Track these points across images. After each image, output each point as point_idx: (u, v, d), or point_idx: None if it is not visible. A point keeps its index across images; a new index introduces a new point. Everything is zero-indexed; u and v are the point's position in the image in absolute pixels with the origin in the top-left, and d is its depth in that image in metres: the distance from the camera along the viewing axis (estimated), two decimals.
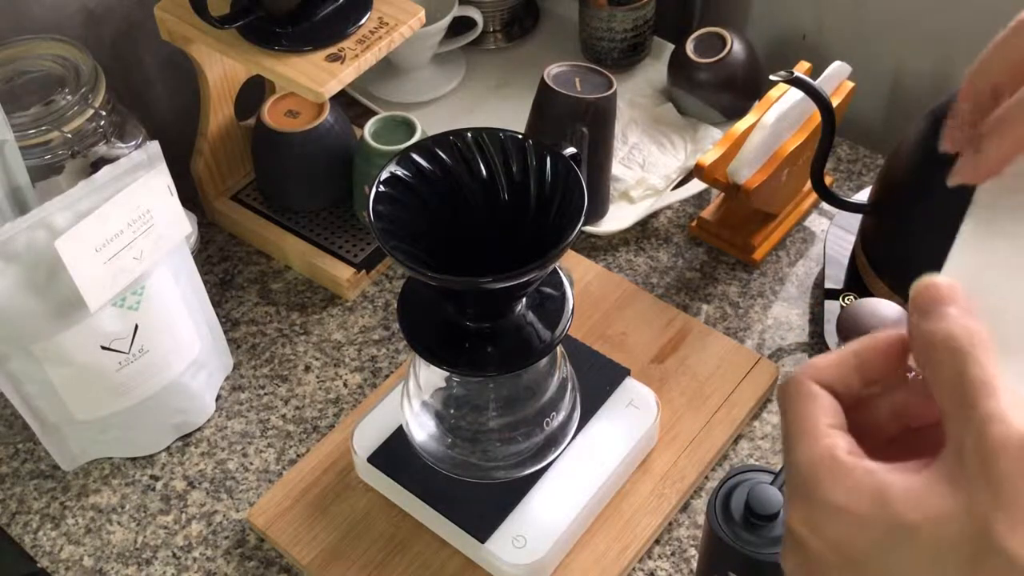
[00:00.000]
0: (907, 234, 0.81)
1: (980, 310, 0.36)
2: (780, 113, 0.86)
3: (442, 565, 0.74)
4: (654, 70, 1.11)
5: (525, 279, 0.58)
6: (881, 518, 0.34)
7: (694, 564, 0.75)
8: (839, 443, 0.36)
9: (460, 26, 1.11)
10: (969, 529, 0.32)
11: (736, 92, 1.03)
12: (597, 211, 0.97)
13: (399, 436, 0.76)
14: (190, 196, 0.93)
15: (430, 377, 0.73)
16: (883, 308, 0.77)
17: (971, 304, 0.36)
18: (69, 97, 0.80)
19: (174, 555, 0.77)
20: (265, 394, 0.87)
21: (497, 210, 0.63)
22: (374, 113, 1.02)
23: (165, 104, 1.02)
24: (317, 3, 0.84)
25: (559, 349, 0.71)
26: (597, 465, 0.75)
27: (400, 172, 0.61)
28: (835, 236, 0.92)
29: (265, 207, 0.98)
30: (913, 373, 0.39)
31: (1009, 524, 0.32)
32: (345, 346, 0.90)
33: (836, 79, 0.90)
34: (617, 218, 0.98)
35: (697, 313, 0.91)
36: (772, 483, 0.63)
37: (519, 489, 0.73)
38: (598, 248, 0.97)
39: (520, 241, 0.61)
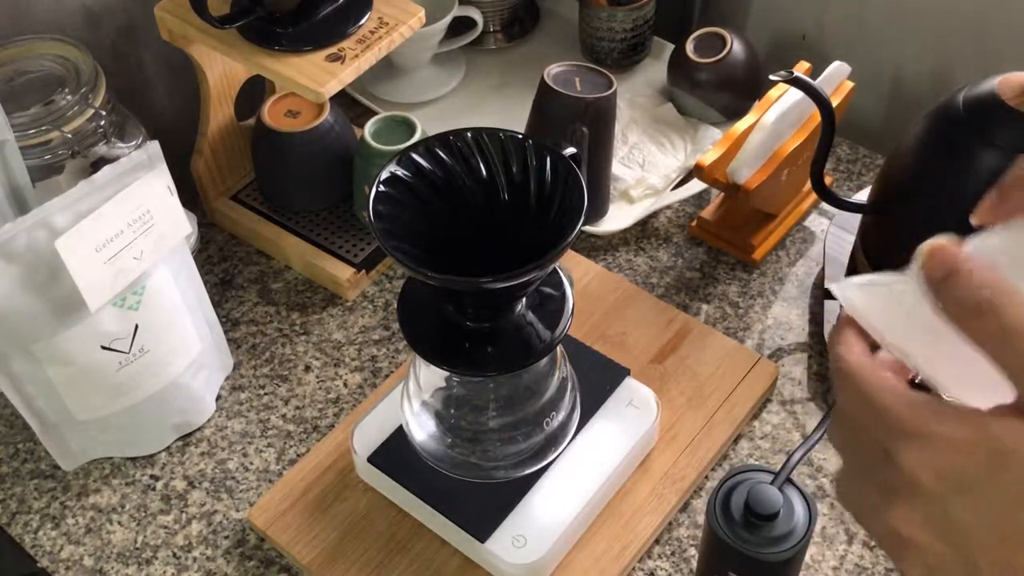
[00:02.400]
0: (907, 234, 0.81)
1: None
2: (780, 113, 0.86)
3: (442, 565, 0.74)
4: (654, 70, 1.11)
5: (525, 279, 0.58)
6: (984, 442, 0.37)
7: (694, 564, 0.75)
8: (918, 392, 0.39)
9: (460, 26, 1.11)
10: None
11: (736, 92, 1.03)
12: (597, 211, 0.97)
13: (399, 436, 0.76)
14: (190, 196, 0.93)
15: (430, 377, 0.73)
16: None
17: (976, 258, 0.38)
18: (69, 97, 0.80)
19: (174, 555, 0.77)
20: (265, 394, 0.87)
21: (497, 210, 0.63)
22: (374, 113, 1.02)
23: (165, 104, 1.02)
24: (317, 3, 0.84)
25: (559, 349, 0.71)
26: (597, 465, 0.75)
27: (400, 172, 0.61)
28: (835, 236, 0.92)
29: (265, 207, 0.98)
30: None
31: None
32: (345, 346, 0.90)
33: (836, 79, 0.90)
34: (617, 218, 0.98)
35: (697, 313, 0.91)
36: (772, 483, 0.63)
37: (519, 489, 0.74)
38: (598, 248, 0.97)
39: (520, 241, 0.61)
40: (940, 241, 0.38)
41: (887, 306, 0.40)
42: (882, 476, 0.40)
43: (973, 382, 0.39)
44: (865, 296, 0.41)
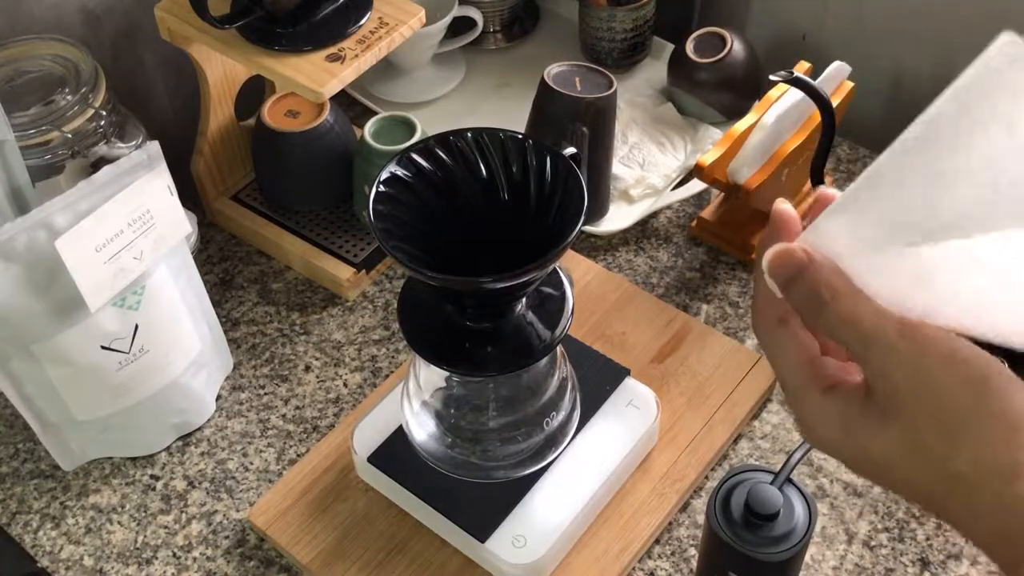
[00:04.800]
0: None
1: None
2: (780, 113, 0.86)
3: (442, 565, 0.74)
4: (654, 70, 1.11)
5: (525, 279, 0.58)
6: (847, 440, 0.43)
7: (694, 564, 0.75)
8: (812, 380, 0.44)
9: (460, 26, 1.11)
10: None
11: (736, 92, 1.03)
12: (597, 211, 0.97)
13: (399, 436, 0.76)
14: (190, 196, 0.93)
15: (430, 377, 0.73)
16: None
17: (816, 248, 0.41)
18: (69, 97, 0.80)
19: (174, 555, 0.77)
20: (265, 394, 0.87)
21: (497, 210, 0.63)
22: (374, 113, 1.02)
23: (165, 104, 1.02)
24: (317, 3, 0.84)
25: (559, 349, 0.71)
26: (597, 465, 0.75)
27: (400, 172, 0.61)
28: None
29: (265, 207, 0.98)
30: None
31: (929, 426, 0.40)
32: (345, 346, 0.90)
33: (836, 79, 0.90)
34: (617, 218, 0.98)
35: (697, 313, 0.91)
36: (772, 483, 0.63)
37: (519, 489, 0.74)
38: (598, 248, 0.97)
39: (520, 241, 0.61)
40: (782, 246, 0.42)
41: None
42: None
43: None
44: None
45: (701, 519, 0.78)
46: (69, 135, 0.79)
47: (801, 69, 0.93)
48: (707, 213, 0.96)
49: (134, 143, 0.85)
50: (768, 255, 0.42)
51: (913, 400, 0.39)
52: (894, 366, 0.39)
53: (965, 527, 0.41)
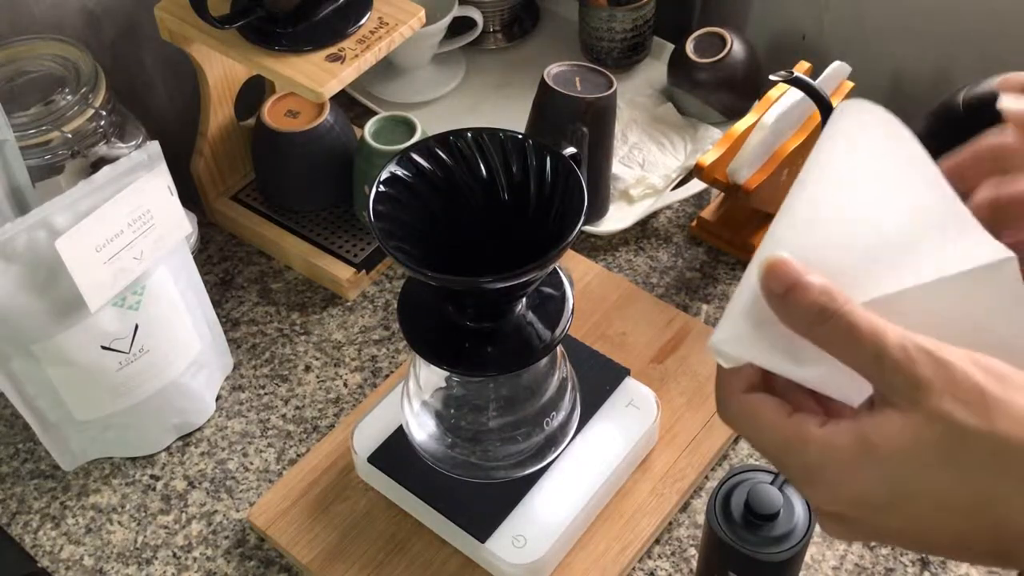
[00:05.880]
0: None
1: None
2: (780, 113, 0.86)
3: (442, 565, 0.74)
4: (654, 70, 1.11)
5: (525, 279, 0.58)
6: (869, 458, 0.39)
7: (694, 564, 0.75)
8: (802, 424, 0.40)
9: (460, 26, 1.11)
10: (936, 427, 0.37)
11: (736, 92, 1.03)
12: (597, 211, 0.97)
13: (399, 436, 0.76)
14: (190, 196, 0.93)
15: (430, 377, 0.73)
16: None
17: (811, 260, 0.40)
18: (69, 97, 0.80)
19: (174, 555, 0.77)
20: (265, 394, 0.87)
21: (497, 210, 0.63)
22: (374, 113, 1.02)
23: (165, 104, 1.02)
24: (317, 3, 0.84)
25: (559, 349, 0.71)
26: (597, 465, 0.75)
27: (400, 172, 0.61)
28: None
29: (265, 207, 0.98)
30: None
31: (959, 403, 0.37)
32: (345, 346, 0.90)
33: (836, 79, 0.90)
34: (617, 218, 0.98)
35: (697, 313, 0.91)
36: (772, 483, 0.63)
37: (519, 489, 0.74)
38: (598, 248, 0.97)
39: (520, 241, 0.61)
40: (777, 256, 0.40)
41: (754, 341, 0.42)
42: (811, 502, 0.42)
43: (848, 383, 0.41)
44: (735, 345, 0.42)
45: (701, 519, 0.78)
46: (69, 135, 0.79)
47: (801, 69, 0.93)
48: (707, 213, 0.96)
49: (134, 143, 0.85)
50: (763, 266, 0.41)
51: (940, 383, 0.38)
52: (913, 357, 0.38)
53: None
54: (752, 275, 0.41)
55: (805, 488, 0.41)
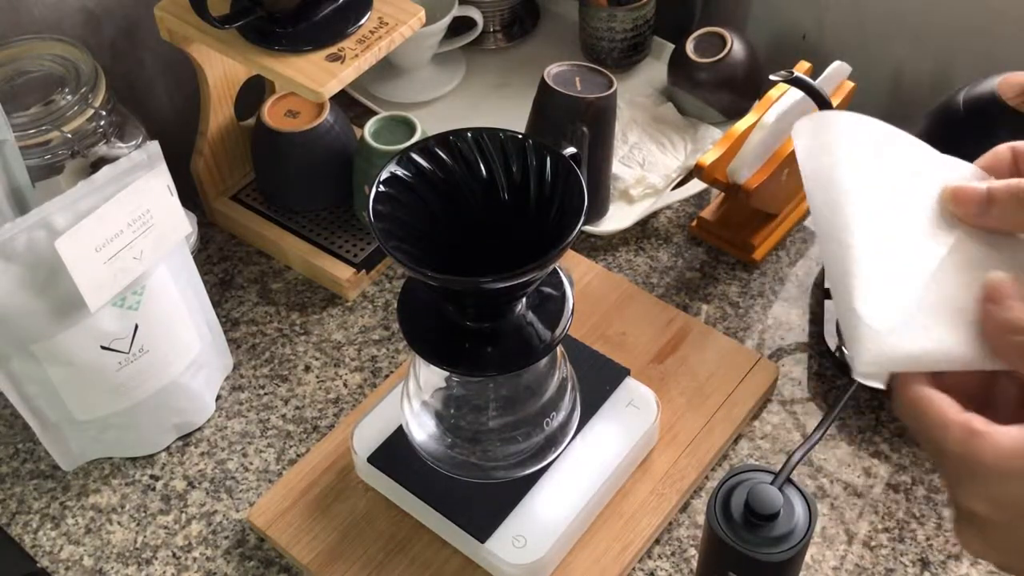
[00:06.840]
0: None
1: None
2: (780, 113, 0.86)
3: (442, 565, 0.74)
4: (654, 70, 1.11)
5: (525, 279, 0.58)
6: None
7: (694, 564, 0.75)
8: (972, 420, 0.41)
9: (460, 26, 1.11)
10: None
11: (736, 92, 1.03)
12: (597, 211, 0.97)
13: (399, 436, 0.76)
14: (190, 196, 0.93)
15: (430, 377, 0.73)
16: None
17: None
18: (69, 97, 0.80)
19: (174, 555, 0.77)
20: (265, 394, 0.87)
21: (497, 210, 0.63)
22: (374, 113, 1.02)
23: (165, 104, 1.02)
24: (317, 3, 0.84)
25: (559, 349, 0.71)
26: (597, 465, 0.75)
27: (400, 172, 0.61)
28: None
29: (265, 207, 0.98)
30: None
31: None
32: (345, 346, 0.90)
33: (836, 79, 0.90)
34: (617, 218, 0.98)
35: (697, 313, 0.91)
36: (772, 483, 0.63)
37: (519, 489, 0.74)
38: (598, 248, 0.97)
39: (520, 241, 0.61)
40: (1001, 276, 0.43)
41: (895, 349, 0.44)
42: (959, 499, 0.43)
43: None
44: (879, 366, 0.45)
45: (701, 519, 0.78)
46: (69, 135, 0.79)
47: (801, 69, 0.93)
48: (707, 213, 0.96)
49: (134, 143, 0.85)
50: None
51: None
52: None
53: None
54: (843, 300, 0.45)
55: (957, 484, 0.42)
